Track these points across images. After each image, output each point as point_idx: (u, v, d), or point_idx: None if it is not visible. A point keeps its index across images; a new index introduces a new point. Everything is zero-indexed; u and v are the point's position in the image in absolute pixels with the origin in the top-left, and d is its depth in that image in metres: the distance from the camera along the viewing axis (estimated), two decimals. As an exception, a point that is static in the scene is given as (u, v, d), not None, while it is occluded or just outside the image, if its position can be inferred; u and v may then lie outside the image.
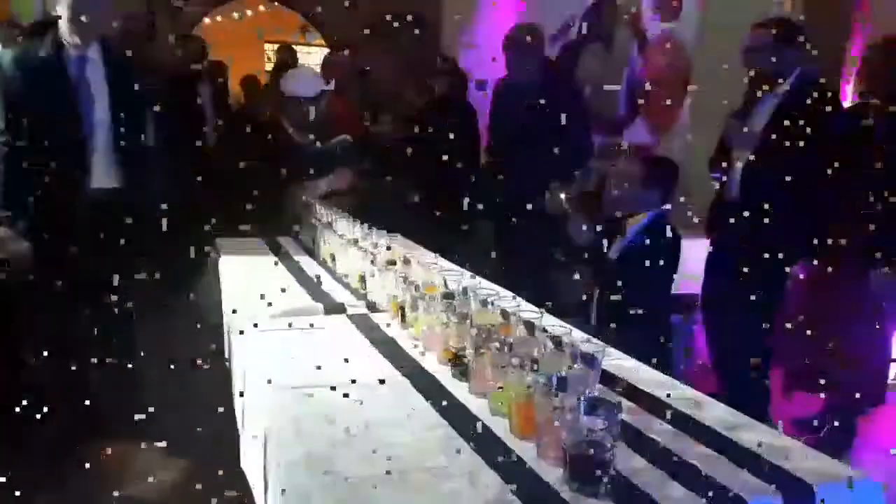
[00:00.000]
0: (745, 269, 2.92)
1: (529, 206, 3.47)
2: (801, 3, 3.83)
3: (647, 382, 1.60)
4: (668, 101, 4.66)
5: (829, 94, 3.10)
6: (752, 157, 2.94)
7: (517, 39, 3.59)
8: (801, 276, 3.16)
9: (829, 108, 2.92)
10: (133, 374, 3.29)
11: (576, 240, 2.74)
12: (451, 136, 3.79)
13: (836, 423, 3.10)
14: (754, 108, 3.02)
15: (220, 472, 2.57)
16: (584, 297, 2.96)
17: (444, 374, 1.61)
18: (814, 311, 3.08)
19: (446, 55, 4.14)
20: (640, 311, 2.71)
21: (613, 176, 2.90)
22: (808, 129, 2.73)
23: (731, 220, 3.03)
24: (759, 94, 3.01)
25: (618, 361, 1.73)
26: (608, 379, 1.61)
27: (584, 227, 2.72)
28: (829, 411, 3.18)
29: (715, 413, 1.44)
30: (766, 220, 2.84)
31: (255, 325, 1.94)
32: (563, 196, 2.83)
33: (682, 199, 3.28)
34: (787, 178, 2.79)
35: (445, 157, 3.75)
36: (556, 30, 5.66)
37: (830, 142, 2.82)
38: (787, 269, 3.08)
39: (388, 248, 2.13)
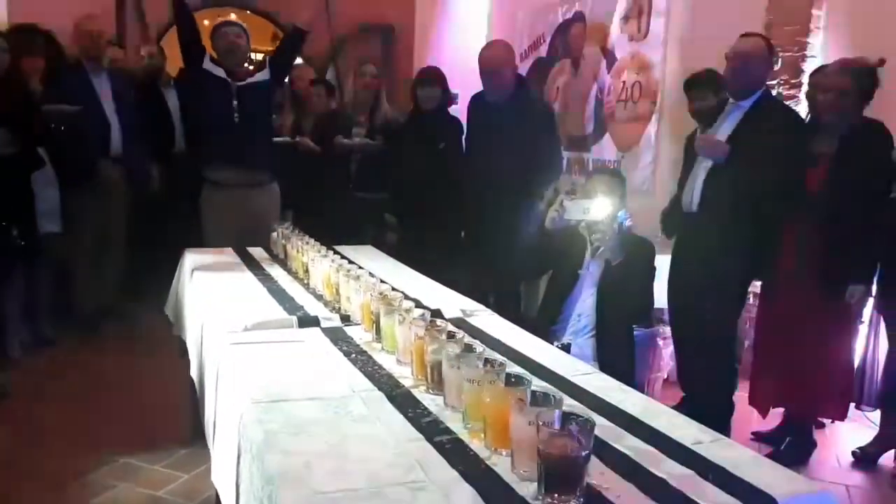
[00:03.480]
0: (706, 281, 3.01)
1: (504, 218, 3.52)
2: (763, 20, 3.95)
3: (618, 398, 1.63)
4: (635, 119, 4.76)
5: (790, 110, 3.22)
6: (714, 167, 3.01)
7: (490, 56, 3.65)
8: (764, 289, 3.26)
9: (791, 122, 3.03)
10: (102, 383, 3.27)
11: (613, 257, 2.63)
12: (441, 148, 3.84)
13: (796, 437, 3.19)
14: (720, 120, 3.09)
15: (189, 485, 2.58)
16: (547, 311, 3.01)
17: (418, 386, 1.63)
18: (777, 323, 3.16)
19: (434, 67, 4.15)
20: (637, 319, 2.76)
21: (588, 189, 2.95)
22: (772, 140, 2.84)
23: (690, 232, 3.13)
24: (727, 106, 3.09)
25: (586, 377, 1.77)
26: (580, 393, 1.65)
27: (621, 243, 2.65)
28: (789, 425, 3.27)
29: (684, 428, 1.48)
30: (727, 231, 2.94)
31: (229, 339, 1.94)
32: (596, 211, 2.61)
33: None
34: (750, 189, 2.89)
35: (433, 169, 3.82)
36: (525, 47, 5.75)
37: (793, 152, 2.93)
38: (748, 281, 3.18)
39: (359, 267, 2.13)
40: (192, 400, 2.24)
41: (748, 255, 3.00)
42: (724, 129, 3.04)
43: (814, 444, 3.21)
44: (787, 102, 3.69)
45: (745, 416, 3.33)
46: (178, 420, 2.91)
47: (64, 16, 4.34)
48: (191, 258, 2.97)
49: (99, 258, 4.23)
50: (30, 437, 2.95)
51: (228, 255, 3.10)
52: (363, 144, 4.16)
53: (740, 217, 2.91)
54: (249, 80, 3.64)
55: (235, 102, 3.56)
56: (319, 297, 2.41)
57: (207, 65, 3.58)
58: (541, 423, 1.16)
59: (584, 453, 1.14)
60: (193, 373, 2.33)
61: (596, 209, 2.58)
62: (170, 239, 3.66)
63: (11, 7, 5.21)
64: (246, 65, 3.81)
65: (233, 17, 8.79)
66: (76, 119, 3.80)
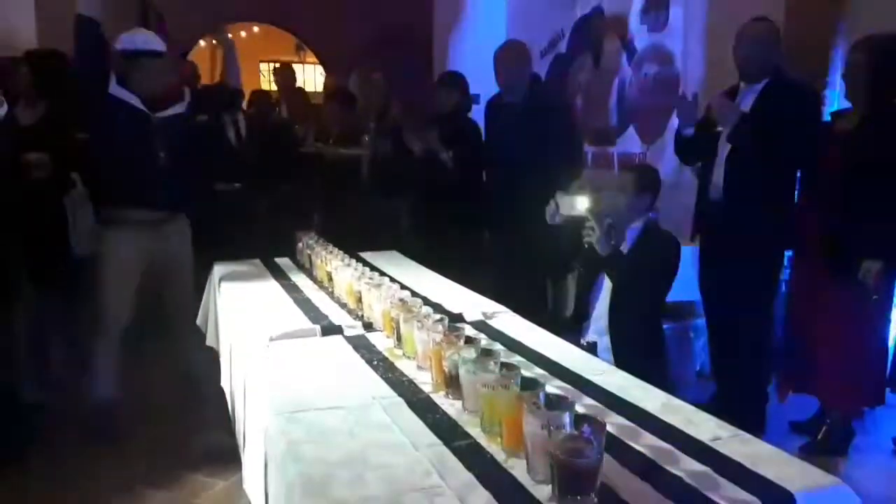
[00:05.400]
0: (735, 270, 3.00)
1: (525, 218, 3.52)
2: (784, 10, 3.88)
3: (637, 396, 1.64)
4: (659, 111, 4.71)
5: (804, 87, 3.18)
6: (733, 146, 3.02)
7: (505, 57, 3.66)
8: (792, 275, 3.22)
9: (804, 98, 3.01)
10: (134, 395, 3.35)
11: (601, 250, 2.67)
12: (457, 152, 3.86)
13: (833, 425, 3.14)
14: (735, 102, 3.09)
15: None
16: (578, 304, 3.01)
17: (438, 392, 1.65)
18: (808, 310, 3.11)
19: (455, 72, 4.18)
20: (650, 315, 2.78)
21: (610, 185, 2.97)
22: (785, 122, 2.83)
23: (716, 219, 3.12)
24: (741, 87, 3.10)
25: (606, 376, 1.77)
26: (599, 392, 1.65)
27: (608, 237, 2.68)
28: (826, 413, 3.21)
29: (702, 424, 1.48)
30: (751, 216, 2.93)
31: (255, 350, 1.99)
32: (579, 204, 2.69)
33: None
34: (767, 172, 2.89)
35: (450, 173, 3.85)
36: (545, 44, 5.73)
37: (807, 134, 2.90)
38: (776, 268, 3.16)
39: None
40: (226, 408, 2.30)
41: (775, 236, 2.99)
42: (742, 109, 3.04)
43: (852, 433, 3.15)
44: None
45: (783, 405, 3.28)
46: (215, 428, 2.98)
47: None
48: (219, 270, 3.04)
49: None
50: (71, 449, 3.03)
51: (256, 265, 3.17)
52: (358, 154, 4.20)
53: (764, 197, 2.91)
54: (170, 112, 3.10)
55: (157, 138, 3.04)
56: (343, 306, 2.45)
57: (116, 90, 2.99)
58: (552, 427, 1.17)
59: (596, 455, 1.15)
60: (224, 383, 2.39)
61: (583, 203, 2.64)
62: (199, 252, 3.71)
63: (40, 31, 5.37)
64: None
65: (255, 30, 8.96)
66: None
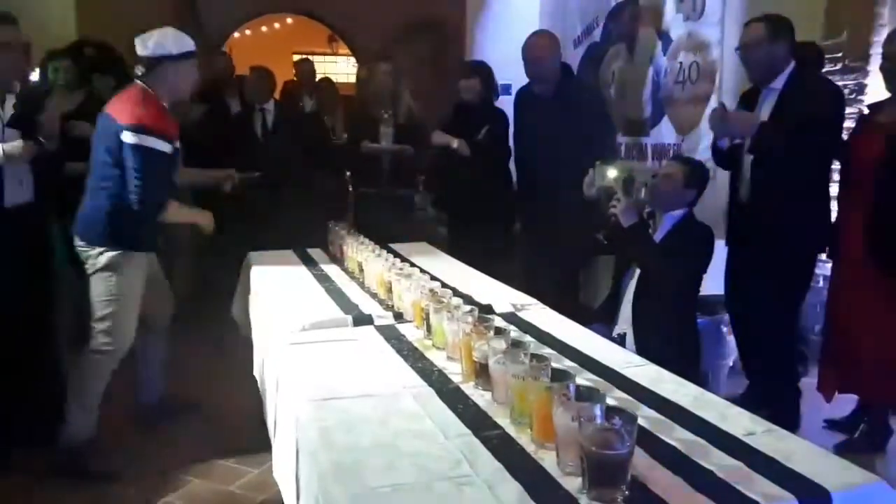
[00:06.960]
0: (765, 271, 2.94)
1: (555, 202, 3.50)
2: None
3: (669, 389, 1.62)
4: (694, 101, 4.63)
5: (826, 83, 3.08)
6: (756, 156, 2.96)
7: (532, 48, 3.63)
8: (833, 272, 3.14)
9: (827, 101, 2.91)
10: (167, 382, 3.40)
11: (624, 221, 2.68)
12: (481, 142, 3.84)
13: (872, 423, 3.07)
14: (755, 106, 3.02)
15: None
16: (610, 294, 2.99)
17: (468, 382, 1.66)
18: (842, 304, 3.05)
19: (479, 61, 4.16)
20: (677, 306, 2.76)
21: (660, 172, 2.96)
22: (808, 122, 2.76)
23: (745, 223, 3.06)
24: (760, 91, 3.03)
25: (638, 369, 1.75)
26: (630, 385, 1.64)
27: (633, 209, 2.69)
28: (863, 411, 3.15)
29: (736, 419, 1.46)
30: (780, 219, 2.87)
31: (287, 339, 2.02)
32: (610, 174, 2.74)
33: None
34: (793, 174, 2.82)
35: (477, 163, 3.84)
36: (579, 33, 5.68)
37: (832, 133, 2.83)
38: (807, 268, 3.09)
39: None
40: (258, 397, 2.33)
41: (803, 237, 2.92)
42: (763, 114, 2.96)
43: (891, 431, 3.08)
44: (853, 75, 3.54)
45: (819, 402, 3.22)
46: (247, 417, 3.02)
47: (128, 29, 4.53)
48: (253, 260, 3.08)
49: (166, 266, 4.38)
50: (107, 435, 3.08)
51: (289, 256, 3.20)
52: (390, 149, 4.16)
53: (791, 200, 2.85)
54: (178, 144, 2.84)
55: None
56: (374, 296, 2.46)
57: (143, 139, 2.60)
58: (583, 419, 1.17)
59: (627, 447, 1.14)
60: (256, 372, 2.42)
61: (613, 172, 2.69)
62: (231, 244, 3.75)
63: (80, 21, 5.45)
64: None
65: (289, 21, 9.02)
66: None
